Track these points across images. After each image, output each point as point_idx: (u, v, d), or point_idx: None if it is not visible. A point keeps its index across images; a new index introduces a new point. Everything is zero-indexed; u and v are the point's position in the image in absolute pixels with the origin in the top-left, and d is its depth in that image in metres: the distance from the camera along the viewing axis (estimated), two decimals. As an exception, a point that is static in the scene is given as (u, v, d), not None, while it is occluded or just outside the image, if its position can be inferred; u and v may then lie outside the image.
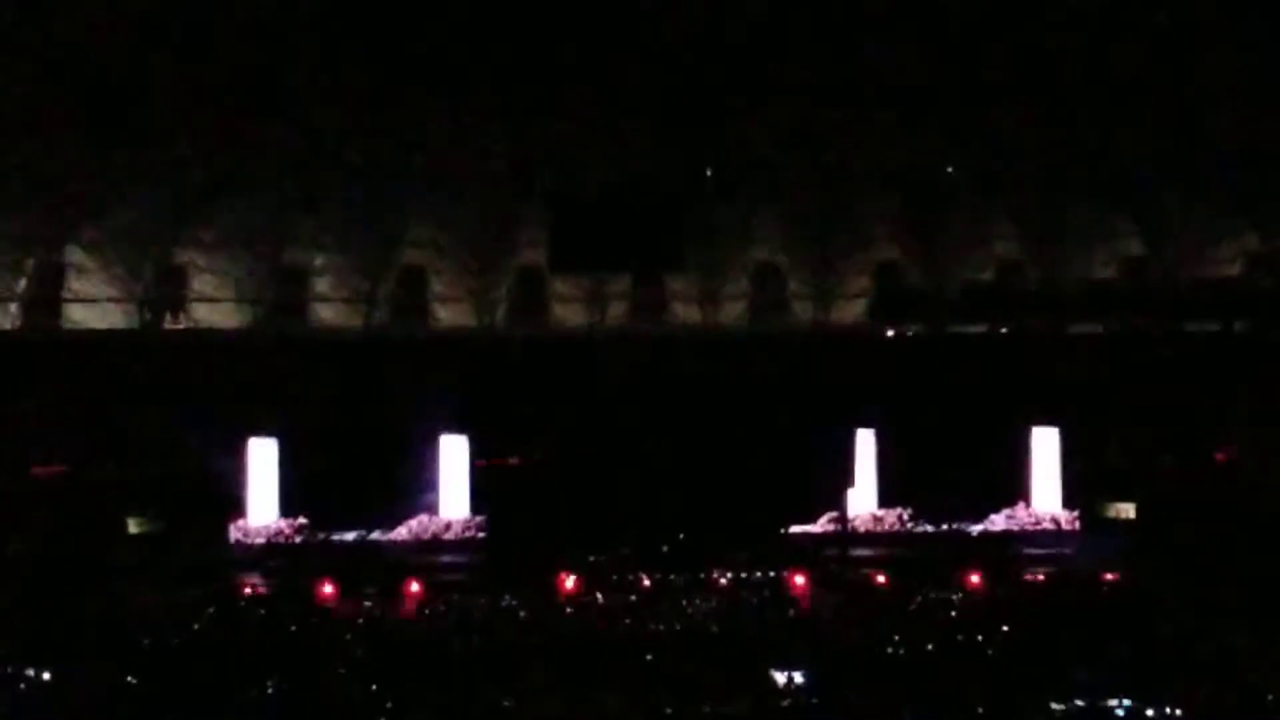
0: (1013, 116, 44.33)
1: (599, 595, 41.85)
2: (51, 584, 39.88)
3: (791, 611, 39.56)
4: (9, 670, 31.87)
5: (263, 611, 39.43)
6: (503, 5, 40.14)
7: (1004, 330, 48.26)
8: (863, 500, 47.69)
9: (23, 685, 31.37)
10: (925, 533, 47.32)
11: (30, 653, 32.50)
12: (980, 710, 29.71)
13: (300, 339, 48.34)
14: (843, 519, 46.68)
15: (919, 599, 40.11)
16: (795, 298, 49.71)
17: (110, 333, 47.09)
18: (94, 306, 47.29)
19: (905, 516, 47.48)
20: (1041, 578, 43.62)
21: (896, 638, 35.28)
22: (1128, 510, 47.38)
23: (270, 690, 31.36)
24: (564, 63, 41.49)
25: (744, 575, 43.19)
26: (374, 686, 31.50)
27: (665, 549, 45.52)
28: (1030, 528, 47.46)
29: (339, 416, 46.13)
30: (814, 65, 41.95)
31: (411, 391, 46.32)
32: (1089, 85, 42.70)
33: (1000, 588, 41.95)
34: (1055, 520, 47.46)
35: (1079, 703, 29.76)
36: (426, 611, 39.90)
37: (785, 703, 30.98)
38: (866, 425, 47.76)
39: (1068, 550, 46.57)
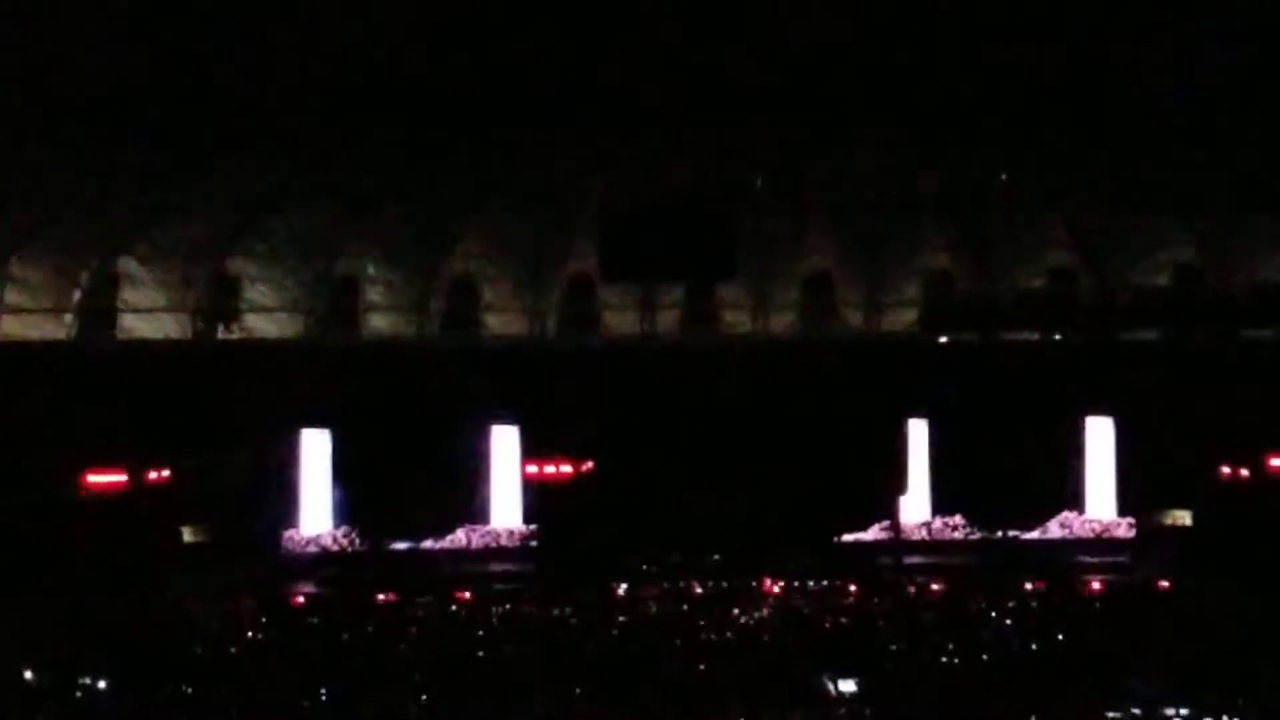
0: (1065, 124, 44.19)
1: (651, 604, 41.82)
2: (108, 592, 40.09)
3: (844, 620, 39.36)
4: (65, 679, 32.01)
5: (315, 620, 39.56)
6: (553, 19, 40.31)
7: (1057, 338, 47.98)
8: (915, 508, 47.55)
9: (79, 694, 31.50)
10: (979, 540, 47.12)
11: (86, 661, 32.64)
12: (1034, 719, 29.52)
13: (351, 349, 48.50)
14: (895, 526, 46.55)
15: (973, 608, 39.91)
16: (846, 306, 49.56)
17: (164, 343, 47.35)
18: (148, 317, 47.57)
19: (958, 524, 47.32)
20: (1097, 586, 43.38)
21: (950, 646, 35.05)
22: (1184, 518, 47.14)
23: (324, 698, 31.43)
24: (615, 75, 41.60)
25: (796, 583, 43.12)
26: (425, 696, 31.52)
27: (717, 557, 45.47)
28: (1084, 535, 47.28)
29: (390, 427, 46.20)
30: (865, 76, 41.95)
31: (462, 401, 46.41)
32: (1141, 93, 42.51)
33: (1054, 596, 41.70)
34: (1110, 528, 47.23)
35: (1135, 711, 29.51)
36: (478, 620, 39.93)
37: (840, 712, 30.84)
38: (919, 431, 47.67)
39: (1123, 558, 46.39)
